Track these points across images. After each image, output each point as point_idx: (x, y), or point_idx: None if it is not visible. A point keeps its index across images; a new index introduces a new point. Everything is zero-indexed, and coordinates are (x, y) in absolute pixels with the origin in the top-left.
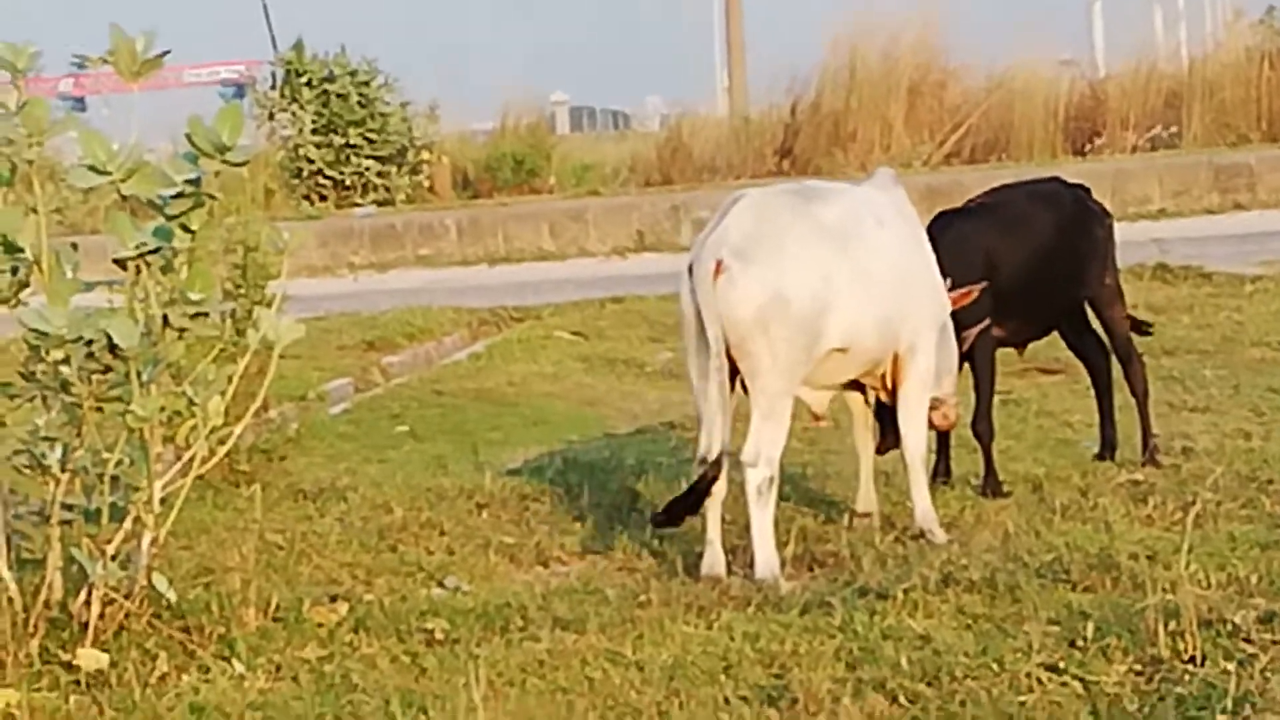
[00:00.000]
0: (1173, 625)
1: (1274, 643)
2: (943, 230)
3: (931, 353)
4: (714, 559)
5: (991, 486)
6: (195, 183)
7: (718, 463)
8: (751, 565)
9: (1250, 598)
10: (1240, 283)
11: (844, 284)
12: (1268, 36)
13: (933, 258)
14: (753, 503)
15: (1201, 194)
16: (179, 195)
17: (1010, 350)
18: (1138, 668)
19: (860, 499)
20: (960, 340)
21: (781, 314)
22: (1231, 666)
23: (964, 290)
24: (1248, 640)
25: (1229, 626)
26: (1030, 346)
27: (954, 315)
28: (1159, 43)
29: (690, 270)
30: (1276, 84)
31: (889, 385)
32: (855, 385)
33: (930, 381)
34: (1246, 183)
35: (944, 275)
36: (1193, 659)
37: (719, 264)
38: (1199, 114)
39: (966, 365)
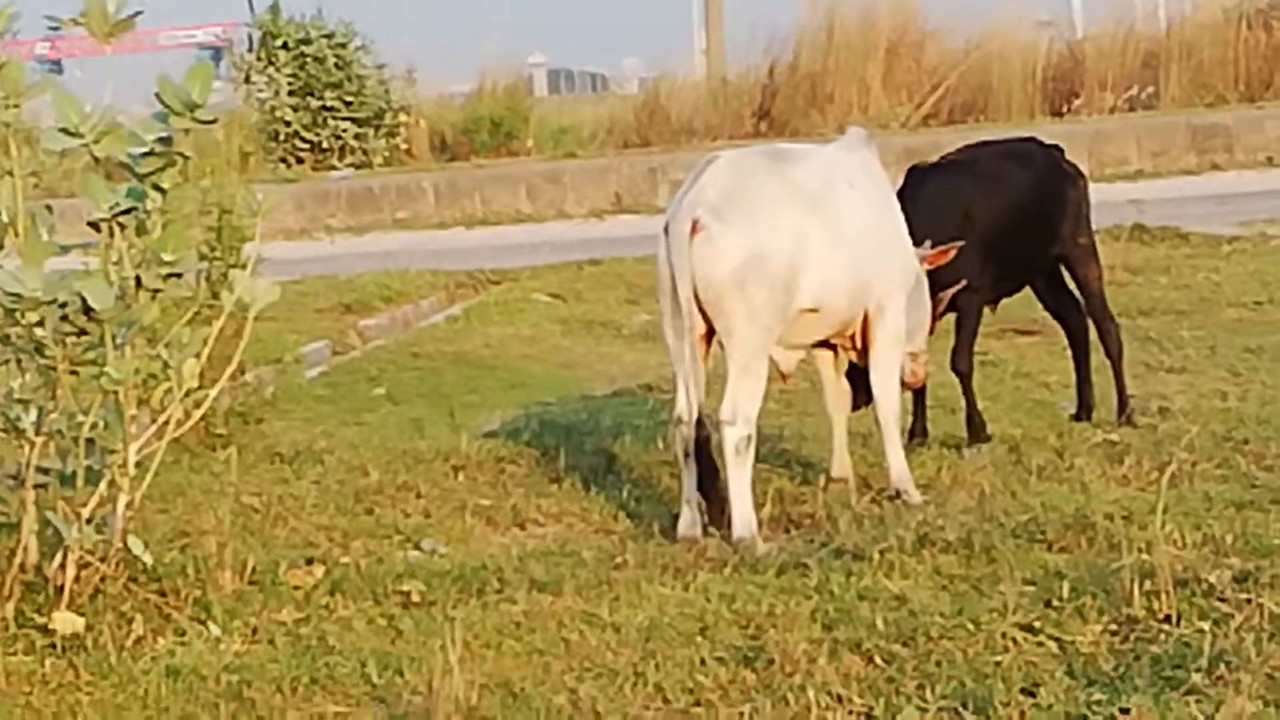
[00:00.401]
0: (1148, 585)
1: (1248, 602)
2: (918, 184)
3: (901, 313)
4: (690, 520)
5: (974, 429)
6: (166, 141)
7: (701, 423)
8: (729, 525)
9: (1225, 557)
10: (1217, 243)
11: (817, 244)
12: None
13: (901, 219)
14: (730, 461)
15: (1179, 155)
16: (149, 154)
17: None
18: (1113, 627)
19: (835, 464)
20: (936, 301)
21: (758, 272)
22: (1206, 626)
23: (941, 249)
24: (1222, 599)
25: (1204, 586)
26: (1007, 306)
27: (931, 274)
28: (1137, 4)
29: (666, 231)
30: (1254, 45)
31: (859, 345)
32: (825, 345)
33: (902, 341)
34: (1224, 143)
35: (917, 228)
36: (1168, 618)
37: (695, 223)
38: (1176, 75)
39: (948, 318)
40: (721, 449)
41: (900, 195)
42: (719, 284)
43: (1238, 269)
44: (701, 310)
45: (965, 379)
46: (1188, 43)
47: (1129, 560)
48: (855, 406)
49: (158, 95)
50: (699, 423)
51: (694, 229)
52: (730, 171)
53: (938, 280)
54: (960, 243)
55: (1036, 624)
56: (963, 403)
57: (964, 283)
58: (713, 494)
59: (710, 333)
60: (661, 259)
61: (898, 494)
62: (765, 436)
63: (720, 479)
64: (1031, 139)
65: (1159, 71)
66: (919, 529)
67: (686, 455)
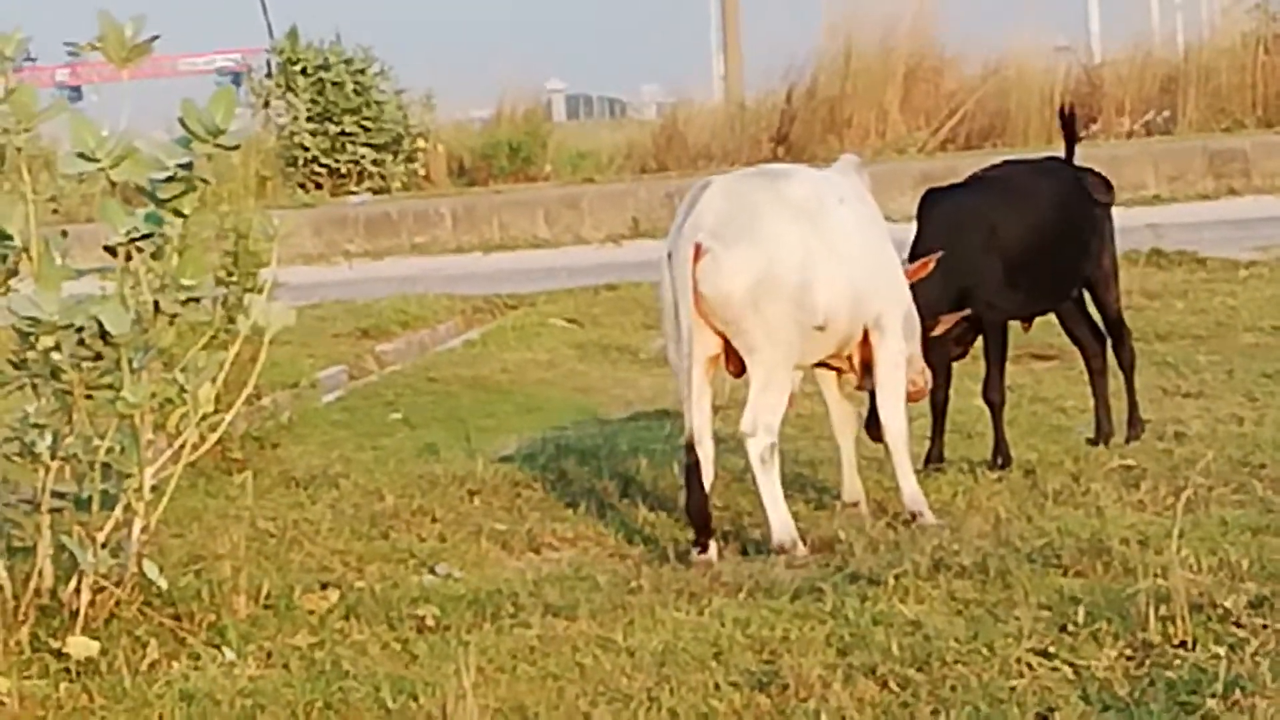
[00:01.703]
0: (1163, 610)
1: (1264, 627)
2: (940, 200)
3: (900, 334)
4: (856, 492)
5: (1002, 455)
6: (187, 167)
7: (691, 448)
8: (759, 542)
9: (1241, 582)
10: (1234, 268)
11: (820, 258)
12: (1263, 22)
13: (890, 242)
14: (758, 471)
15: (1196, 179)
16: (170, 179)
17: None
18: (1128, 652)
19: (845, 488)
20: (939, 322)
21: (772, 290)
22: (1222, 651)
23: (921, 261)
24: (1238, 625)
25: (1220, 611)
26: (1022, 334)
27: (927, 300)
28: (1155, 28)
29: (669, 258)
30: (1271, 69)
31: (857, 367)
32: (827, 366)
33: (903, 364)
34: (1241, 168)
35: (937, 245)
36: (1183, 643)
37: (698, 248)
38: (1194, 99)
39: (980, 341)
40: (748, 463)
41: (919, 216)
42: (733, 305)
43: (1255, 294)
44: (718, 331)
45: (997, 410)
46: (1205, 67)
47: (1144, 585)
48: (873, 437)
49: (181, 120)
50: (688, 447)
51: (697, 254)
52: (726, 195)
53: (956, 302)
54: (938, 254)
55: (1051, 649)
56: (980, 427)
57: (968, 310)
58: (698, 517)
59: (722, 353)
60: (665, 286)
61: (913, 516)
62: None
63: (704, 502)
64: (1057, 157)
65: (1176, 96)
66: (934, 554)
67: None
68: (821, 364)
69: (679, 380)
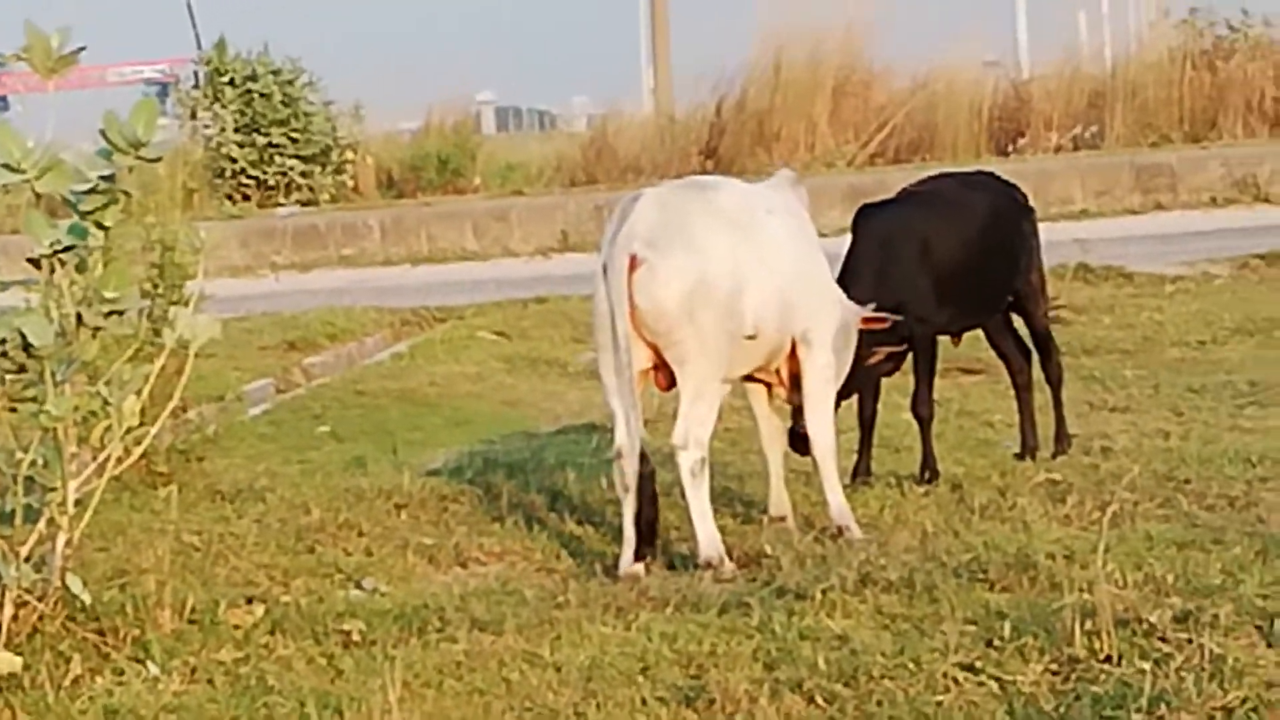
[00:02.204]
0: (1089, 625)
1: (1189, 642)
2: (873, 216)
3: (829, 348)
4: (631, 556)
5: (930, 469)
6: (109, 179)
7: (645, 458)
8: (687, 557)
9: (1166, 597)
10: (1161, 283)
11: (750, 268)
12: (1190, 37)
13: (822, 257)
14: (688, 484)
15: (1123, 194)
16: (92, 191)
17: None
18: (1054, 667)
19: (772, 502)
20: (869, 354)
21: (705, 298)
22: (1147, 666)
23: (879, 315)
24: (1163, 639)
25: (1145, 626)
26: (950, 349)
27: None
28: (1082, 43)
29: (605, 270)
30: (1198, 85)
31: (786, 381)
32: (756, 380)
33: (833, 379)
34: (1168, 183)
35: (875, 261)
36: (1109, 658)
37: (633, 259)
38: (1121, 114)
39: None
40: (676, 477)
41: (854, 231)
42: (668, 315)
43: (1181, 309)
44: (650, 344)
45: (925, 424)
46: (1132, 83)
47: (1070, 600)
48: (797, 451)
49: (102, 132)
50: (642, 457)
51: (633, 265)
52: (659, 205)
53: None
54: (898, 318)
55: (978, 664)
56: (907, 441)
57: (904, 346)
58: (646, 529)
59: (652, 367)
60: (600, 297)
61: (840, 531)
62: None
63: (655, 514)
64: (987, 172)
65: (1104, 111)
66: (861, 568)
67: (626, 490)
68: (750, 377)
69: (610, 393)
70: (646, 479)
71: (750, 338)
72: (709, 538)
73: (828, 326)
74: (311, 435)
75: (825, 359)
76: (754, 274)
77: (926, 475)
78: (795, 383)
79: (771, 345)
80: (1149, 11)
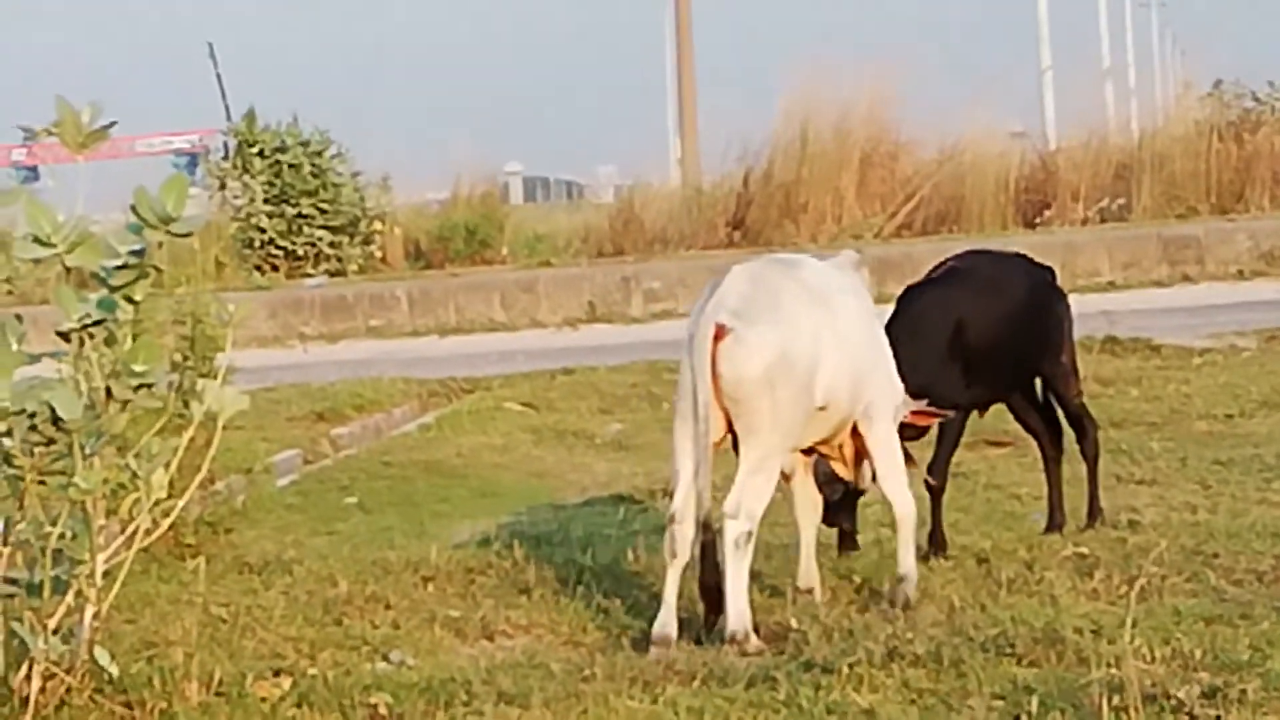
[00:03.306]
0: (1117, 700)
1: (1217, 718)
2: (916, 298)
3: (890, 421)
4: (666, 620)
5: (937, 543)
6: (139, 254)
7: (708, 526)
8: (709, 629)
9: (1194, 672)
10: (1188, 355)
11: (828, 344)
12: (1216, 109)
13: (885, 339)
14: (729, 555)
15: (1151, 266)
16: (123, 266)
17: None
18: None
19: (801, 573)
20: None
21: (786, 372)
22: None
23: (927, 411)
24: (1191, 715)
25: (1173, 702)
26: (978, 420)
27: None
28: (1109, 115)
29: (690, 340)
30: (1225, 157)
31: (849, 460)
32: (806, 452)
33: (898, 451)
34: (1195, 255)
35: (917, 339)
36: None
37: (720, 328)
38: (1148, 186)
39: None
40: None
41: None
42: (749, 383)
43: (1208, 381)
44: (727, 415)
45: (937, 494)
46: (1159, 154)
47: (1098, 675)
48: (828, 521)
49: (133, 208)
50: (705, 524)
51: (719, 334)
52: (748, 278)
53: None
54: (947, 414)
55: None
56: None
57: (952, 413)
58: (715, 595)
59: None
60: (686, 365)
61: (900, 578)
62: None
63: (720, 580)
64: (1021, 254)
65: (1131, 183)
66: (888, 642)
67: (674, 555)
68: (808, 450)
69: (678, 457)
70: (709, 546)
71: (821, 409)
72: (739, 613)
73: (888, 402)
74: (339, 507)
75: (887, 429)
76: (831, 350)
77: (934, 550)
78: (857, 462)
79: (839, 419)
80: (1176, 84)
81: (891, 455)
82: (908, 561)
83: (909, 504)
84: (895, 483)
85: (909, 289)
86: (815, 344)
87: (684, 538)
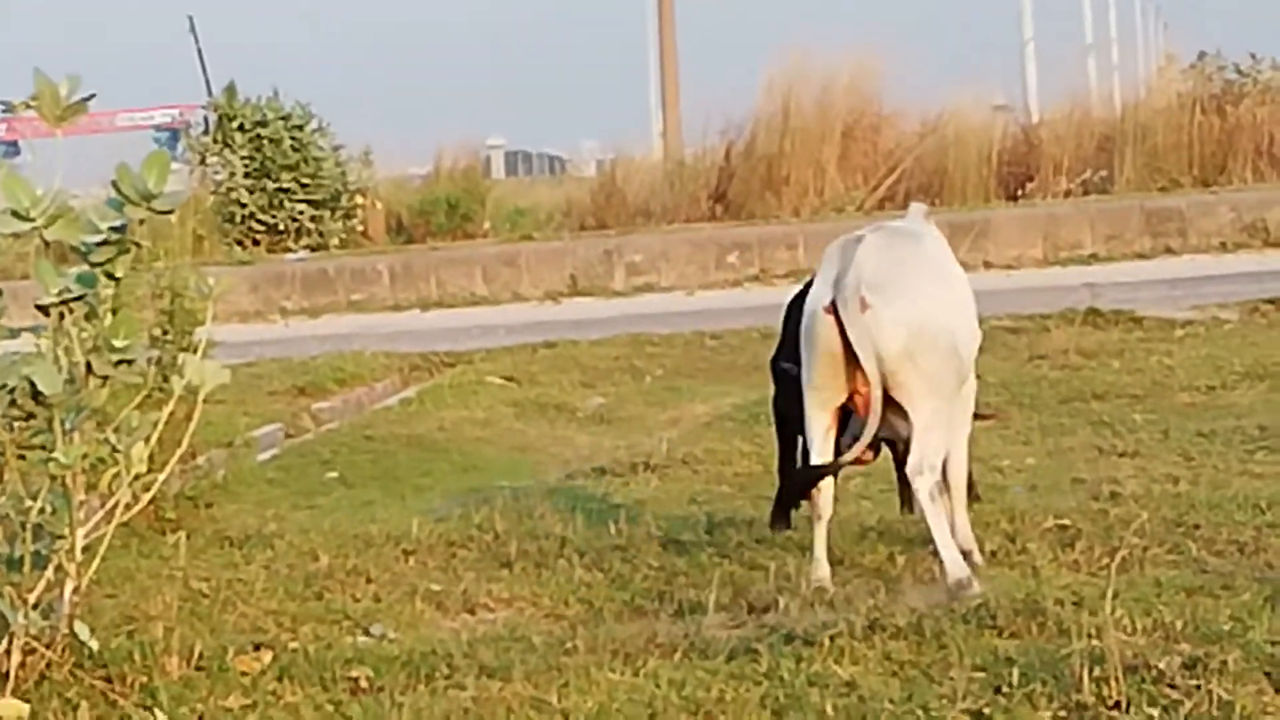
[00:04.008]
0: (1098, 671)
1: (1198, 688)
2: None
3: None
4: (822, 571)
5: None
6: (120, 229)
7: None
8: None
9: (1175, 644)
10: (1171, 327)
11: (954, 311)
12: (1199, 82)
13: None
14: (928, 508)
15: (1133, 239)
16: (104, 242)
17: None
18: (1063, 714)
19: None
20: None
21: (926, 345)
22: (1156, 713)
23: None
24: (1172, 686)
25: (1154, 672)
26: None
27: None
28: (1092, 88)
29: (833, 309)
30: (1208, 129)
31: None
32: None
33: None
34: (1178, 227)
35: None
36: (1118, 705)
37: (863, 301)
38: (1131, 159)
39: None
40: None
41: None
42: (891, 359)
43: (1191, 353)
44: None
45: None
46: (1142, 127)
47: (1079, 646)
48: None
49: (114, 184)
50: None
51: (862, 307)
52: (879, 251)
53: None
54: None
55: (986, 710)
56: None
57: None
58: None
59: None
60: (822, 337)
61: (966, 554)
62: (716, 522)
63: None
64: None
65: (1113, 155)
66: (869, 614)
67: (819, 517)
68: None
69: (812, 425)
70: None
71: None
72: (953, 561)
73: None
74: (320, 481)
75: (970, 390)
76: (957, 316)
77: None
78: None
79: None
80: (1158, 56)
81: (968, 415)
82: (963, 522)
83: (965, 467)
84: (962, 445)
85: None
86: (946, 314)
87: (826, 499)
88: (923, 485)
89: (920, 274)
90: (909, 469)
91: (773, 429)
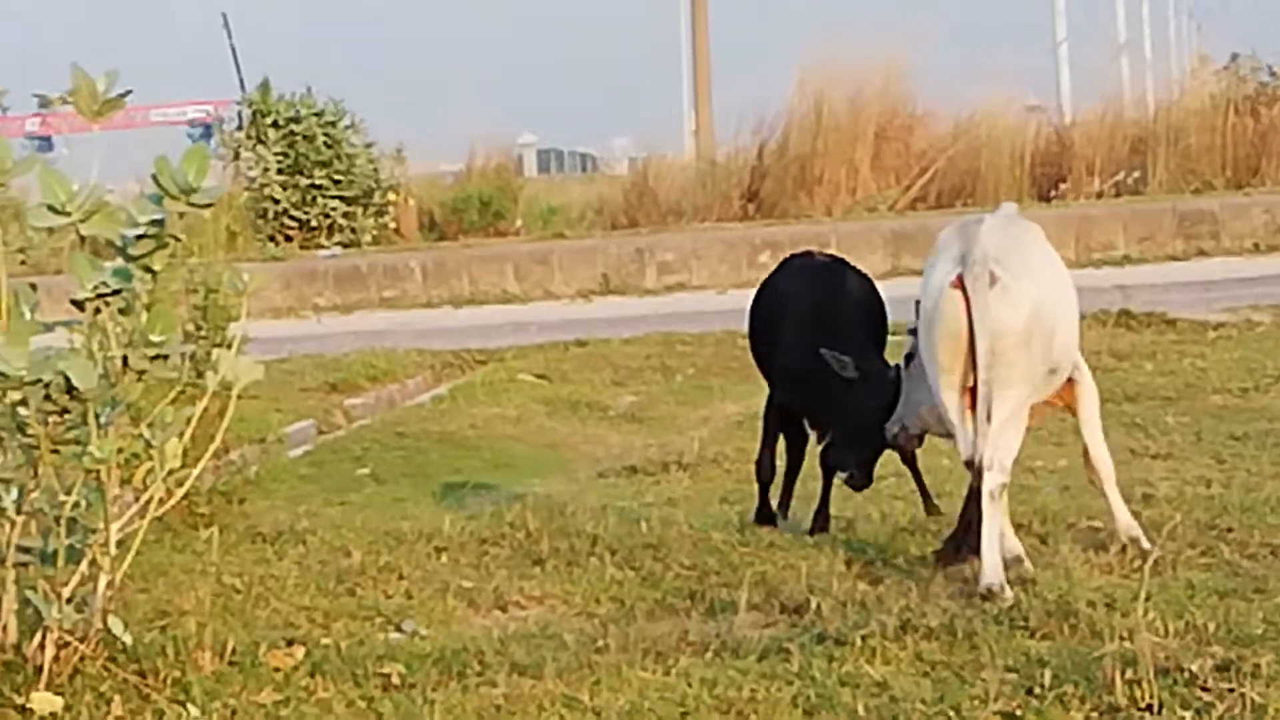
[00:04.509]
0: (1130, 673)
1: (1230, 691)
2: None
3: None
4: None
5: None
6: (158, 224)
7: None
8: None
9: (1208, 646)
10: (1203, 329)
11: (1063, 304)
12: (1233, 83)
13: None
14: (986, 506)
15: (1166, 240)
16: (142, 236)
17: None
18: (1095, 716)
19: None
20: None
21: (1040, 326)
22: (1188, 715)
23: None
24: (1205, 689)
25: (1186, 675)
26: None
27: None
28: (1125, 89)
29: (957, 286)
30: (1241, 131)
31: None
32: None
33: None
34: (1210, 229)
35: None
36: (1150, 707)
37: (992, 275)
38: (1164, 160)
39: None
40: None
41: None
42: (1012, 336)
43: (1223, 355)
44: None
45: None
46: (1175, 128)
47: (1111, 648)
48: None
49: (154, 178)
50: (975, 470)
51: (991, 281)
52: (1003, 231)
53: None
54: None
55: (1018, 711)
56: (949, 486)
57: None
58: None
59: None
60: (949, 314)
61: (1130, 541)
62: (747, 521)
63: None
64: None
65: (1146, 157)
66: (901, 614)
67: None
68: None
69: (951, 412)
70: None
71: (1052, 371)
72: (994, 565)
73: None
74: (352, 477)
75: (1089, 381)
76: (1068, 304)
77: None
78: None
79: (1061, 377)
80: (1191, 57)
81: (1094, 407)
82: (1121, 514)
83: (1109, 458)
84: (1098, 434)
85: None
86: (1059, 300)
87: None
88: (989, 481)
89: (1041, 257)
90: (981, 460)
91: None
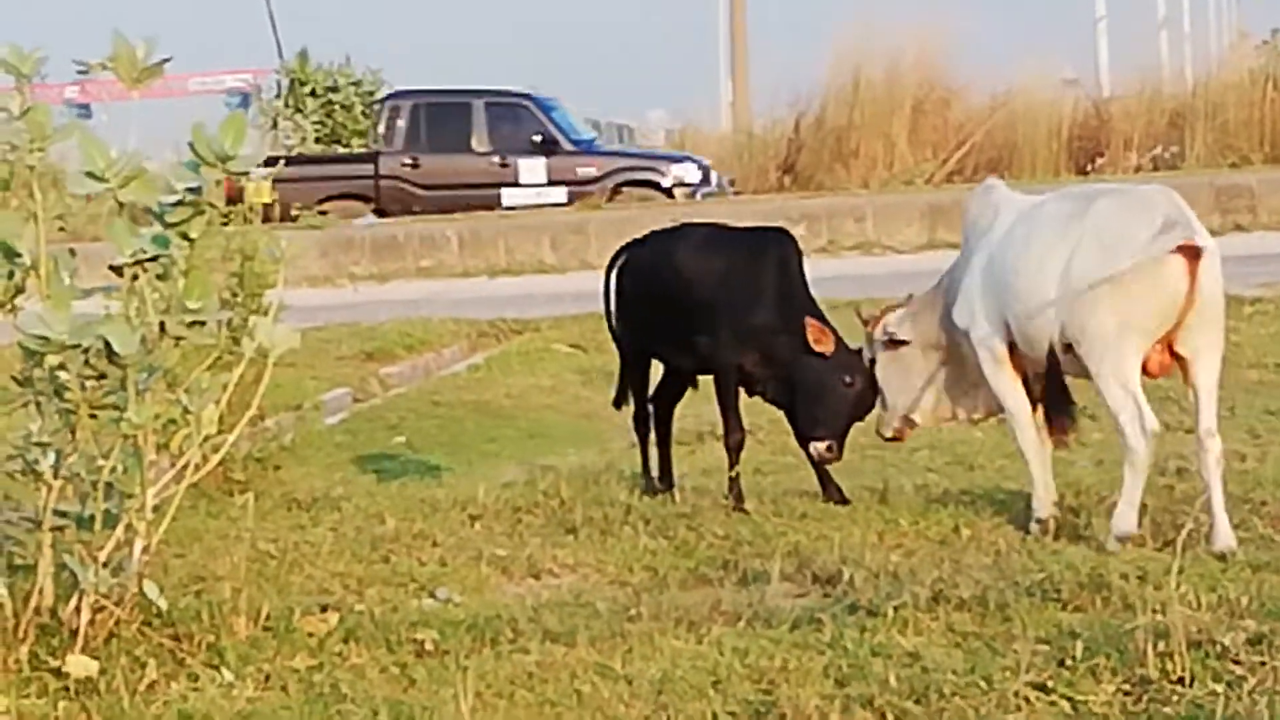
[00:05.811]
0: (1162, 646)
1: (1263, 664)
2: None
3: None
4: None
5: (735, 496)
6: (196, 191)
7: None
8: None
9: (1240, 619)
10: (1239, 304)
11: None
12: (1271, 58)
13: None
14: (1213, 471)
15: (1203, 215)
16: (179, 203)
17: None
18: (1126, 688)
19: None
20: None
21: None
22: (1220, 688)
23: None
24: (1236, 662)
25: (1218, 648)
26: None
27: None
28: (1163, 63)
29: (1183, 253)
30: (1279, 106)
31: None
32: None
33: None
34: (1248, 204)
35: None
36: (1181, 680)
37: (1200, 249)
38: (1201, 135)
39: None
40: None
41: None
42: (1219, 303)
43: (1259, 330)
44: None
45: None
46: (1213, 103)
47: (1143, 621)
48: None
49: (191, 145)
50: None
51: (1198, 254)
52: (1173, 199)
53: None
54: None
55: (1049, 683)
56: (980, 460)
57: None
58: None
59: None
60: (1172, 277)
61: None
62: (776, 492)
63: None
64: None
65: (1184, 131)
66: (934, 585)
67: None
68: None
69: (1132, 382)
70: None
71: None
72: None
73: None
74: (387, 445)
75: None
76: None
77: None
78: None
79: None
80: (1230, 32)
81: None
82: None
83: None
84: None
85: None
86: None
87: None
88: (1215, 447)
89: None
90: (1204, 429)
91: None
